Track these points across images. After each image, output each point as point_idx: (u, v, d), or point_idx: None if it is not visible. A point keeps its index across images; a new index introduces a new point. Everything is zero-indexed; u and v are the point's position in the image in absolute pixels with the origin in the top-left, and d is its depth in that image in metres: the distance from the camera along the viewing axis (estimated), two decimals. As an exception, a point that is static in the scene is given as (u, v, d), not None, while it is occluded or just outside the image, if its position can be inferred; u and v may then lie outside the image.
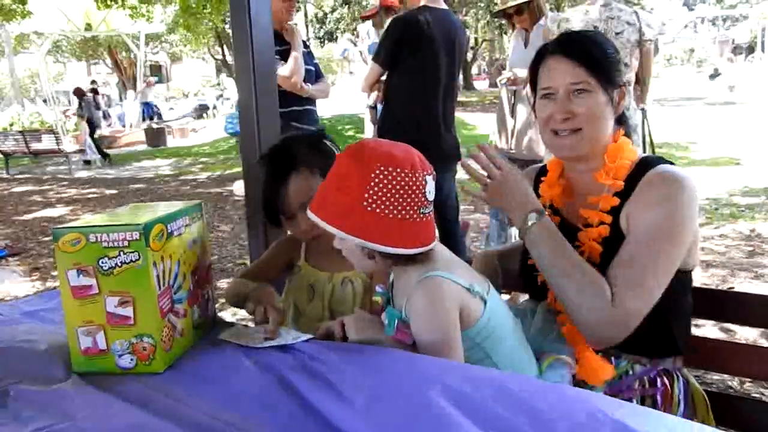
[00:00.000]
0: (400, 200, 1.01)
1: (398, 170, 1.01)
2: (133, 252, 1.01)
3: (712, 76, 20.56)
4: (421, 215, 1.03)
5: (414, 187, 1.02)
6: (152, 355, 1.04)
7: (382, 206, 1.00)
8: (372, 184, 1.00)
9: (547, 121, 1.26)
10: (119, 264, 1.01)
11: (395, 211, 1.01)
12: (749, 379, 2.41)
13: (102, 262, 1.01)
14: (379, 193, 1.00)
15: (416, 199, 1.02)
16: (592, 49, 1.24)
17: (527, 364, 1.14)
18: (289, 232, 1.47)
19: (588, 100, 1.22)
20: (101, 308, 1.02)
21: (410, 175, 1.01)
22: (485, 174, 1.22)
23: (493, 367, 1.08)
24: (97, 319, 1.03)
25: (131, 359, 1.04)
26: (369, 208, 1.00)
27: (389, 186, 1.00)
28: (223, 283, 4.12)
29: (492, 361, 1.09)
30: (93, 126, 12.17)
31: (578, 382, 1.16)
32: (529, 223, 1.18)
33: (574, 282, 1.14)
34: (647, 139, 3.19)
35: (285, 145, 1.42)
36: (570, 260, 1.16)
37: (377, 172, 1.00)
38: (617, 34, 2.97)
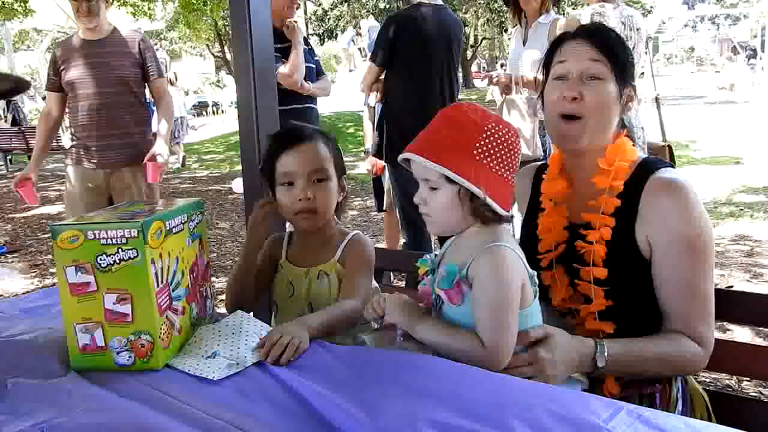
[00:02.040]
0: (505, 158, 1.06)
1: (507, 129, 1.07)
2: (131, 249, 1.00)
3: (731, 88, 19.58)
4: (513, 180, 1.08)
5: (516, 149, 1.08)
6: (150, 352, 1.04)
7: (489, 158, 1.05)
8: (484, 135, 1.05)
9: (555, 103, 1.25)
10: (117, 261, 1.00)
11: (498, 167, 1.05)
12: (747, 378, 2.41)
13: (100, 259, 1.00)
14: (490, 146, 1.05)
15: (515, 162, 1.08)
16: (615, 41, 1.26)
17: None
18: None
19: (600, 87, 1.22)
20: (99, 305, 1.02)
21: (514, 137, 1.08)
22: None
23: None
24: (95, 316, 1.03)
25: (129, 356, 1.04)
26: (477, 158, 1.04)
27: (500, 141, 1.05)
28: (222, 281, 4.12)
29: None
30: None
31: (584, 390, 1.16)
32: (601, 364, 1.13)
33: (663, 366, 1.18)
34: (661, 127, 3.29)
35: (300, 125, 1.46)
36: (645, 358, 1.16)
37: (490, 125, 1.05)
38: (638, 29, 3.04)
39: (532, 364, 1.07)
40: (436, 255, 1.21)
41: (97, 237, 1.00)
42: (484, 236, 1.08)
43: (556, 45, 1.30)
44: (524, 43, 3.37)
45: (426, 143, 1.08)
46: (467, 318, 1.07)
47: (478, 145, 1.04)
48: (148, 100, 3.21)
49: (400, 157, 1.11)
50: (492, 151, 1.04)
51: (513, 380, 0.95)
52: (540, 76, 1.35)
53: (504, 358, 1.03)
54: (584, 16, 3.01)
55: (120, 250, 1.00)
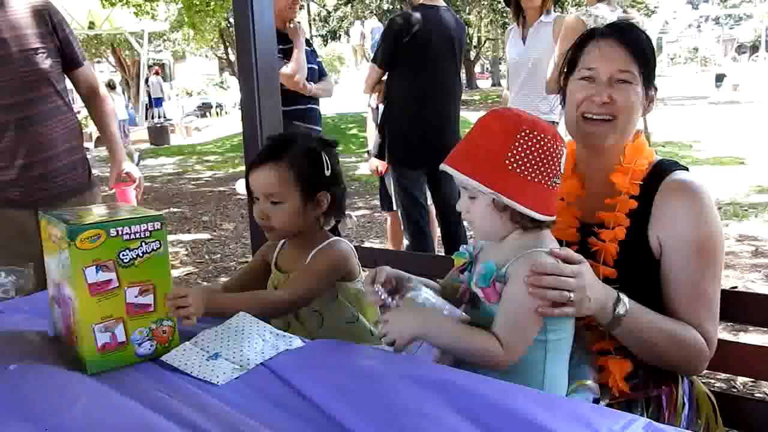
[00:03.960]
0: (540, 164, 1.04)
1: (542, 135, 1.04)
2: (154, 241, 1.03)
3: (719, 79, 19.78)
4: (554, 184, 1.07)
5: (554, 154, 1.05)
6: (171, 336, 1.07)
7: (523, 167, 1.03)
8: (516, 144, 1.03)
9: (580, 103, 1.24)
10: (141, 255, 1.03)
11: (533, 174, 1.04)
12: (752, 380, 2.41)
13: (122, 255, 1.02)
14: (522, 154, 1.03)
15: (554, 166, 1.06)
16: (645, 43, 1.25)
17: (562, 383, 1.13)
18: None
19: (629, 90, 1.22)
20: (121, 301, 1.04)
21: (552, 141, 1.05)
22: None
23: (541, 372, 1.08)
24: (116, 312, 1.04)
25: (151, 345, 1.06)
26: (510, 167, 1.03)
27: (533, 148, 1.04)
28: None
29: (543, 365, 1.08)
30: None
31: (595, 399, 1.17)
32: (621, 311, 1.11)
33: (671, 346, 1.16)
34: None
35: (281, 137, 1.47)
36: (658, 329, 1.15)
37: (523, 133, 1.04)
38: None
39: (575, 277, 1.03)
40: (473, 248, 1.21)
41: (120, 233, 1.02)
42: (526, 240, 1.08)
43: (584, 41, 1.27)
44: (524, 42, 3.36)
45: (459, 154, 1.09)
46: None
47: (510, 154, 1.03)
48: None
49: (441, 167, 1.10)
50: (526, 159, 1.03)
51: (532, 394, 0.93)
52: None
53: (514, 360, 1.02)
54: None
55: (143, 243, 1.03)
